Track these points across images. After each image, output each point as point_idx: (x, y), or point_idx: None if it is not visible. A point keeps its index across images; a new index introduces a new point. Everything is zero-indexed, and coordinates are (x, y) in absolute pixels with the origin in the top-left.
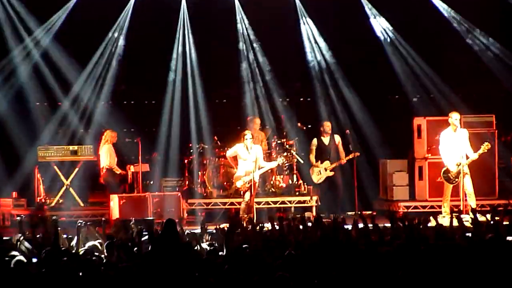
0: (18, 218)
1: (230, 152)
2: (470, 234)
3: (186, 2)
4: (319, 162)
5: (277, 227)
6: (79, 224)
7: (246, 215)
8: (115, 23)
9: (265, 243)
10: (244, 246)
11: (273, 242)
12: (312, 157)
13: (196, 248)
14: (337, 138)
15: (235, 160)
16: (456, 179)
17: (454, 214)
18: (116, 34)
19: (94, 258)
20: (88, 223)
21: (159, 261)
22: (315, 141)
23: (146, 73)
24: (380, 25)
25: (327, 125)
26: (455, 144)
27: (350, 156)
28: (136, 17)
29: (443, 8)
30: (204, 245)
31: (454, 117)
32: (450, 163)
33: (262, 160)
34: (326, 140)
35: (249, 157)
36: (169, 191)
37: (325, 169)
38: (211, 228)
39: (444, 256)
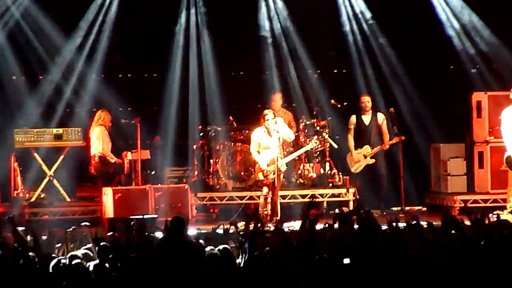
0: None
1: (254, 148)
2: None
3: None
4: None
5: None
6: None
7: (265, 211)
8: None
9: (290, 246)
10: (265, 249)
11: (300, 244)
12: (351, 139)
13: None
14: (381, 117)
15: None
16: None
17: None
18: None
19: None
20: (81, 225)
21: (164, 268)
22: (353, 119)
23: (146, 40)
24: None
25: (366, 100)
26: None
27: (394, 141)
28: None
29: None
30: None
31: None
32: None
33: (287, 131)
34: (366, 118)
35: (272, 143)
36: (175, 182)
37: (365, 156)
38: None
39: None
